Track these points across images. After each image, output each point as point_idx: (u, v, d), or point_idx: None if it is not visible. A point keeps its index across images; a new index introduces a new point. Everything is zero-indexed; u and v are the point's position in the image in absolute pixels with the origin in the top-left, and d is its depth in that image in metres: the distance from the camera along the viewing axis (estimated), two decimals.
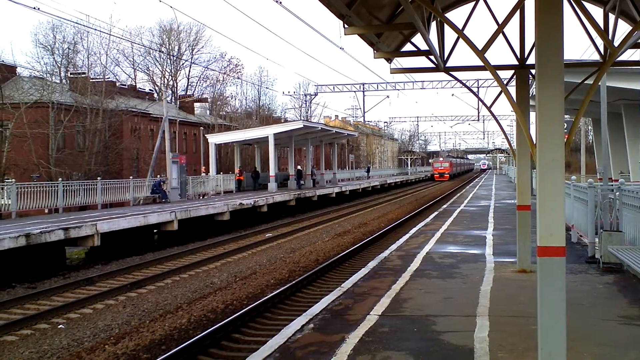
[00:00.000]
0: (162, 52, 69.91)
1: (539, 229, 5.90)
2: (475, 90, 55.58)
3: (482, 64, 7.12)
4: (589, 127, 67.93)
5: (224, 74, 75.42)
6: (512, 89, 11.30)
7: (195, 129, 62.30)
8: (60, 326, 12.25)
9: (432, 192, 60.44)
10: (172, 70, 74.74)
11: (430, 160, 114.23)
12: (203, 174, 43.06)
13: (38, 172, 40.18)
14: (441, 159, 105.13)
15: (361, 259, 18.80)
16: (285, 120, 73.91)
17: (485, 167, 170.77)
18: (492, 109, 12.70)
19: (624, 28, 11.17)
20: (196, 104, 70.38)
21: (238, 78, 75.35)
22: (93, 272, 18.22)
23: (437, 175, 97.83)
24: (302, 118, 78.60)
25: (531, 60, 11.48)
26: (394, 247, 16.13)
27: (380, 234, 24.80)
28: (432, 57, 11.33)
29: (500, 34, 8.67)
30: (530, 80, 12.14)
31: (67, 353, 10.40)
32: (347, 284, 11.18)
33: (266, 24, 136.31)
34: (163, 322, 12.01)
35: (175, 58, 72.57)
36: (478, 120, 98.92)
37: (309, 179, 48.75)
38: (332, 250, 21.29)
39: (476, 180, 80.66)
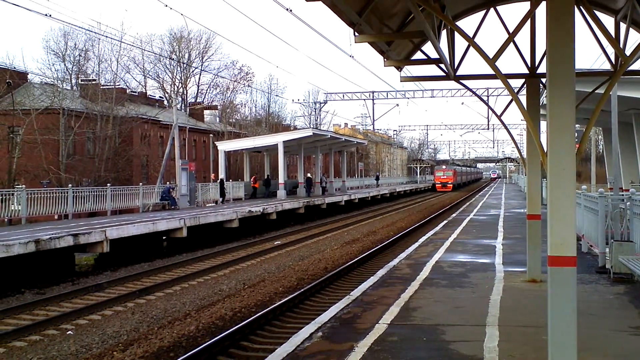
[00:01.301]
0: (173, 59, 70.37)
1: (549, 238, 5.87)
2: (485, 98, 55.52)
3: (492, 72, 7.10)
4: (600, 137, 67.71)
5: (235, 81, 75.73)
6: (522, 98, 11.26)
7: (204, 136, 62.46)
8: (69, 332, 12.26)
9: (441, 201, 60.32)
10: (182, 78, 75.18)
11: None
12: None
13: (48, 178, 40.34)
14: (444, 166, 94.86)
15: (370, 267, 18.75)
16: (295, 128, 74.02)
17: (496, 176, 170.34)
18: (502, 118, 12.68)
19: (635, 37, 11.16)
20: (206, 112, 70.60)
21: (249, 86, 75.62)
22: (102, 279, 18.26)
23: (439, 185, 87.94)
24: (312, 126, 78.70)
25: (542, 69, 11.45)
26: (403, 255, 16.09)
27: (389, 242, 24.75)
28: (442, 66, 11.30)
29: (511, 43, 8.66)
30: (540, 89, 12.10)
31: (75, 359, 10.40)
32: (356, 293, 11.15)
33: (276, 32, 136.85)
34: (171, 329, 12.01)
35: (185, 65, 72.95)
36: (488, 129, 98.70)
37: (318, 187, 48.74)
38: (341, 258, 21.25)
39: (485, 189, 79.65)
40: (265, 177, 46.69)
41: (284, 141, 41.74)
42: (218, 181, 40.02)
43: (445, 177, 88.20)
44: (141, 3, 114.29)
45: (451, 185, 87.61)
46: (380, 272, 13.34)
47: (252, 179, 45.35)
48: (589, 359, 6.85)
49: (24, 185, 27.64)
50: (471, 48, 7.20)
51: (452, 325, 8.62)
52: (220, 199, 38.09)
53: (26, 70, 48.92)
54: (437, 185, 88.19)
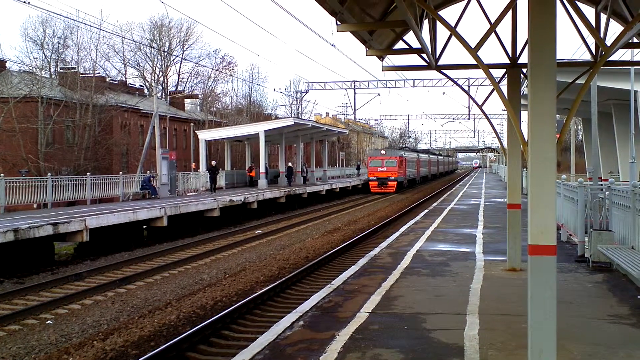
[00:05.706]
0: (153, 47, 69.65)
1: (530, 227, 5.90)
2: (466, 88, 55.70)
3: (474, 62, 7.12)
4: (579, 127, 68.25)
5: (217, 70, 75.23)
6: (503, 88, 11.30)
7: (185, 125, 62.09)
8: (49, 322, 12.18)
9: (422, 190, 60.46)
10: (163, 66, 74.42)
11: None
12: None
13: (27, 167, 39.94)
14: (382, 151, 58.50)
15: (351, 256, 18.80)
16: (276, 117, 73.77)
17: (477, 165, 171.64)
18: (483, 108, 12.71)
19: (615, 28, 11.22)
20: (187, 100, 70.10)
21: (231, 75, 75.16)
22: (82, 268, 18.15)
23: (374, 183, 54.76)
24: (293, 115, 78.45)
25: (523, 59, 11.50)
26: (384, 244, 16.13)
27: (370, 231, 24.82)
28: (424, 55, 11.30)
29: (493, 33, 8.67)
30: (522, 79, 12.16)
31: (55, 349, 10.33)
32: (337, 281, 11.16)
33: (258, 21, 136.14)
34: (152, 318, 11.96)
35: (165, 54, 72.30)
36: (469, 118, 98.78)
37: (300, 176, 48.72)
38: (322, 247, 21.27)
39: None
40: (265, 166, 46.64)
41: (265, 130, 41.62)
42: (206, 169, 39.60)
43: (385, 169, 54.59)
44: None
45: (394, 182, 54.62)
46: (362, 261, 13.37)
47: (248, 168, 45.92)
48: (569, 347, 6.91)
49: (2, 174, 27.25)
50: (453, 38, 7.22)
51: (433, 314, 8.66)
52: (211, 186, 37.62)
53: (4, 58, 48.37)
54: (370, 182, 55.62)
